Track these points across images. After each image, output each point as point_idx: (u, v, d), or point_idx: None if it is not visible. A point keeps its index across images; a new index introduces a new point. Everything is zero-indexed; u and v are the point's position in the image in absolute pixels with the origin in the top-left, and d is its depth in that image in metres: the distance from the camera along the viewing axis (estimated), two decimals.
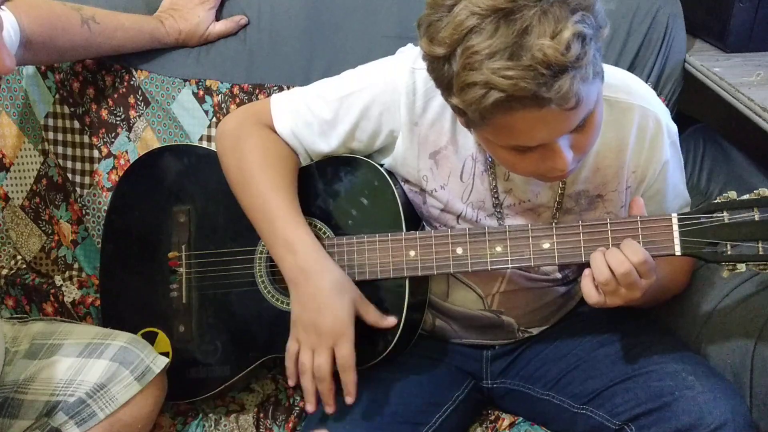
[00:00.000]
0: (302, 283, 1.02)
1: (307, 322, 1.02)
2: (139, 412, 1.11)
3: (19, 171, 1.50)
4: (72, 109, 1.43)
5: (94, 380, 1.08)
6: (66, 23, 1.26)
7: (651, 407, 1.02)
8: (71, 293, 1.44)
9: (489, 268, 1.04)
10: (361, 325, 1.04)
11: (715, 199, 0.96)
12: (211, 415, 1.28)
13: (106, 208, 1.34)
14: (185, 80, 1.40)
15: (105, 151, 1.43)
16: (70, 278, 1.47)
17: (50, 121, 1.44)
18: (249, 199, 1.09)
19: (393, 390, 1.11)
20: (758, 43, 1.33)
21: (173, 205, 1.23)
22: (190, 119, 1.40)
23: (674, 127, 1.10)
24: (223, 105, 1.39)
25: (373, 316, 1.05)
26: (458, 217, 1.11)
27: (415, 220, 1.15)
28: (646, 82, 1.30)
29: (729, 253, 0.94)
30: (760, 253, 0.93)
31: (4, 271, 1.50)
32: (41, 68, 1.42)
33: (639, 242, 0.96)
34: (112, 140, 1.43)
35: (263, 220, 1.07)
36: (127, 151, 1.42)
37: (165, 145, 1.36)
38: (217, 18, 1.40)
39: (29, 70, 1.42)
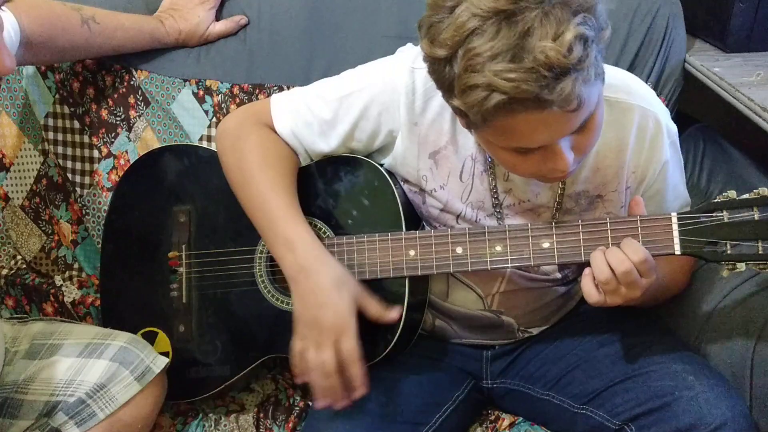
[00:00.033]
0: (302, 280, 1.02)
1: (309, 319, 1.01)
2: (139, 412, 1.11)
3: (19, 171, 1.50)
4: (72, 109, 1.44)
5: (94, 380, 1.08)
6: (66, 23, 1.26)
7: (651, 407, 1.02)
8: (71, 293, 1.44)
9: (489, 267, 1.04)
10: (361, 325, 1.03)
11: (715, 198, 0.96)
12: (211, 415, 1.28)
13: (106, 208, 1.34)
14: (185, 80, 1.40)
15: (105, 151, 1.43)
16: (70, 278, 1.47)
17: (50, 121, 1.44)
18: (249, 198, 1.09)
19: (393, 390, 1.11)
20: (758, 43, 1.33)
21: (173, 205, 1.23)
22: (190, 119, 1.40)
23: (674, 127, 1.10)
24: (223, 105, 1.39)
25: (376, 309, 1.04)
26: (458, 217, 1.11)
27: (415, 220, 1.15)
28: (646, 82, 1.30)
29: (729, 252, 0.95)
30: (760, 252, 0.93)
31: (4, 271, 1.50)
32: (41, 68, 1.42)
33: (639, 241, 0.96)
34: (112, 140, 1.43)
35: (263, 218, 1.07)
36: (127, 151, 1.42)
37: (165, 145, 1.36)
38: (217, 18, 1.40)
39: (29, 70, 1.42)
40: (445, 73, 0.86)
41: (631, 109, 1.05)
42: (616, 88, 1.04)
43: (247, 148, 1.10)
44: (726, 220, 0.95)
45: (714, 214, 0.95)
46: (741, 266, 0.95)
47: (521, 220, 1.10)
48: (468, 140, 1.07)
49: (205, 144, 1.39)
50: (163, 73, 1.40)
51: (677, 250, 0.97)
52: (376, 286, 1.08)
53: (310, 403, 1.27)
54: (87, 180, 1.45)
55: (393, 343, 1.07)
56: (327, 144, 1.11)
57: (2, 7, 0.92)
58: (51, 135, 1.45)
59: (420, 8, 0.88)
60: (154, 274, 1.23)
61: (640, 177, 1.08)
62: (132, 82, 1.40)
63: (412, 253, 1.06)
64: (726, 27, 1.32)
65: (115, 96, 1.42)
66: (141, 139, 1.41)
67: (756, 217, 0.93)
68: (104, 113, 1.42)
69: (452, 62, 0.84)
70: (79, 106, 1.43)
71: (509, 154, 0.93)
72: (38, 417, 1.09)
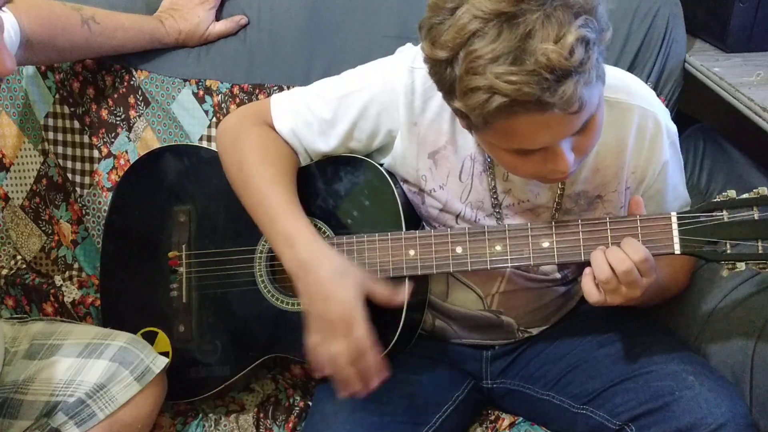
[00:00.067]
0: (304, 275, 1.01)
1: (317, 313, 1.01)
2: (138, 412, 1.11)
3: (19, 171, 1.50)
4: (72, 109, 1.44)
5: (94, 380, 1.08)
6: (66, 23, 1.26)
7: (651, 407, 1.02)
8: (71, 293, 1.44)
9: (488, 267, 1.04)
10: None
11: (715, 198, 0.96)
12: (211, 415, 1.28)
13: (106, 208, 1.34)
14: (185, 80, 1.40)
15: (105, 151, 1.43)
16: (70, 278, 1.47)
17: (50, 121, 1.44)
18: (249, 196, 1.09)
19: (393, 390, 1.11)
20: (758, 43, 1.33)
21: (173, 205, 1.24)
22: (190, 119, 1.40)
23: (674, 128, 1.09)
24: (223, 105, 1.39)
25: (383, 292, 1.02)
26: (457, 217, 1.11)
27: (415, 219, 1.15)
28: (646, 82, 1.30)
29: (729, 252, 0.95)
30: (760, 252, 0.93)
31: (4, 271, 1.50)
32: (41, 68, 1.42)
33: (638, 241, 0.96)
34: (112, 140, 1.43)
35: (263, 215, 1.07)
36: (127, 151, 1.42)
37: (165, 145, 1.36)
38: (217, 18, 1.40)
39: (29, 70, 1.42)
40: (446, 75, 0.86)
41: (631, 109, 1.05)
42: (616, 88, 1.04)
43: (247, 147, 1.10)
44: (726, 219, 0.95)
45: (714, 214, 0.95)
46: (741, 266, 0.94)
47: (520, 220, 1.09)
48: (467, 140, 1.07)
49: (205, 144, 1.39)
50: (163, 73, 1.40)
51: (677, 249, 0.97)
52: None
53: (310, 403, 1.27)
54: (87, 180, 1.45)
55: (393, 342, 1.07)
56: (326, 143, 1.11)
57: (2, 8, 0.91)
58: (51, 135, 1.45)
59: (420, 8, 0.87)
60: (154, 274, 1.23)
61: (640, 177, 1.08)
62: (132, 82, 1.40)
63: (411, 252, 1.06)
64: (726, 27, 1.32)
65: (115, 96, 1.42)
66: (141, 139, 1.41)
67: (756, 216, 0.93)
68: (104, 113, 1.42)
69: (453, 64, 0.84)
70: (79, 106, 1.43)
71: (510, 156, 0.93)
72: (38, 417, 1.09)
